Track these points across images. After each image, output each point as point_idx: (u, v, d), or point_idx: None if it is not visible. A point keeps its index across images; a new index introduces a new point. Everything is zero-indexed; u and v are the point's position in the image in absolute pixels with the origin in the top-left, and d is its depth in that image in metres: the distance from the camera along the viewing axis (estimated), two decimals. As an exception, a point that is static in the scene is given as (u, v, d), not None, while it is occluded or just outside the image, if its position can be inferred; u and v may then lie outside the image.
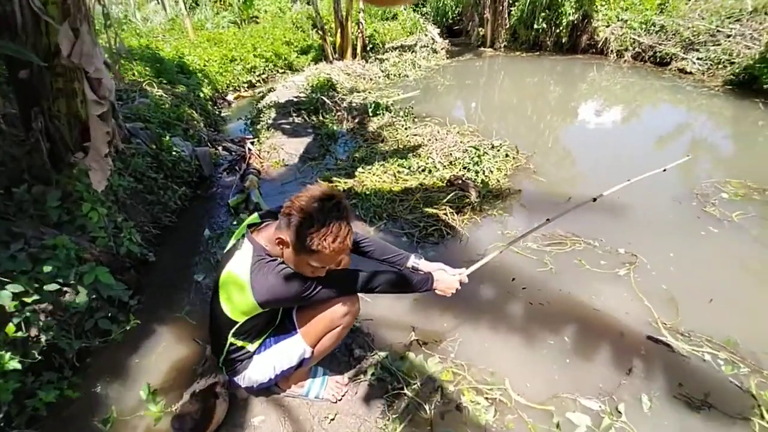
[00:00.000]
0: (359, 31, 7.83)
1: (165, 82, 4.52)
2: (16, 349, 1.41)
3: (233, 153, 3.91)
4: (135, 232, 2.19)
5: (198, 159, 3.28)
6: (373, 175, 3.46)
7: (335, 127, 4.51)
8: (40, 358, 1.48)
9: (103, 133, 1.76)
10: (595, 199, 1.80)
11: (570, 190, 3.31)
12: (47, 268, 1.60)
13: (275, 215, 1.28)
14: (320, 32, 7.41)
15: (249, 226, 1.29)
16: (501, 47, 9.51)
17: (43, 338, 1.52)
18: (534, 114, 5.47)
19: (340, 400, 1.56)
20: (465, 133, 4.28)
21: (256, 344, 1.34)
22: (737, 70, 5.74)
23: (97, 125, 1.73)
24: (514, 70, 7.97)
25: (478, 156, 3.60)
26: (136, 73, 4.33)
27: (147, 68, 4.55)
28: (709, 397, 1.62)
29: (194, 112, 4.20)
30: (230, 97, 6.11)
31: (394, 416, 1.53)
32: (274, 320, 1.38)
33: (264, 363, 1.34)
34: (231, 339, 1.27)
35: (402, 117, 4.73)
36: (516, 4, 9.12)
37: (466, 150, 3.78)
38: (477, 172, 3.44)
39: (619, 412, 1.57)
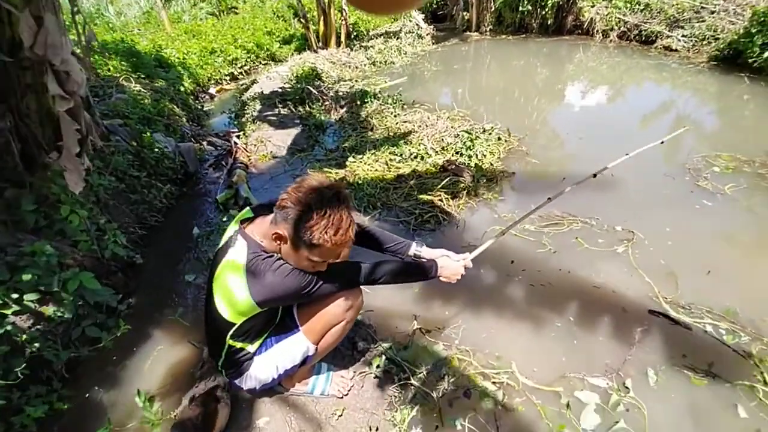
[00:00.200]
0: (342, 18, 7.64)
1: (143, 76, 4.34)
2: (-1, 364, 1.33)
3: (219, 147, 3.79)
4: (120, 234, 2.10)
5: (182, 155, 3.16)
6: (365, 164, 3.39)
7: (323, 117, 4.40)
8: (22, 375, 1.39)
9: (72, 130, 1.64)
10: (595, 175, 1.77)
11: (563, 169, 3.29)
12: (26, 277, 1.50)
13: (269, 209, 1.21)
14: (302, 21, 7.20)
15: (241, 221, 1.22)
16: (486, 31, 9.40)
17: (27, 351, 1.43)
18: (522, 96, 5.43)
19: (346, 395, 1.52)
20: (455, 118, 4.22)
21: (257, 344, 1.28)
22: (722, 46, 5.77)
23: (66, 122, 1.61)
24: (501, 53, 7.90)
25: (471, 140, 3.55)
26: (111, 68, 4.14)
27: (123, 63, 4.35)
28: (713, 367, 1.63)
29: (175, 106, 4.05)
30: (212, 90, 5.91)
31: (402, 407, 1.50)
32: (274, 319, 1.31)
33: (266, 363, 1.28)
34: (230, 341, 1.21)
35: (390, 104, 4.63)
36: (500, -14, 8.99)
37: (458, 135, 3.72)
38: (470, 157, 3.39)
39: (627, 388, 1.56)
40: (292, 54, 7.68)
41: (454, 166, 3.16)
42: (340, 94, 4.93)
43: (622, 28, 7.65)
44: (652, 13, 7.34)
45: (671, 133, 2.28)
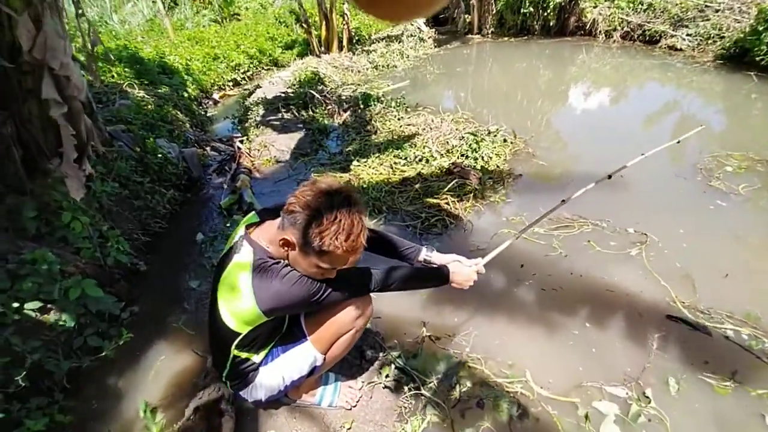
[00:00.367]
0: (344, 23, 7.65)
1: (146, 83, 4.34)
2: (-2, 375, 1.29)
3: (222, 153, 3.77)
4: (123, 241, 2.06)
5: (185, 160, 3.14)
6: (369, 167, 3.35)
7: (326, 121, 4.38)
8: (22, 386, 1.35)
9: (69, 136, 1.61)
10: (610, 176, 1.72)
11: (570, 171, 3.24)
12: (27, 285, 1.47)
13: (275, 213, 1.16)
14: (304, 26, 7.22)
15: (247, 226, 1.18)
16: (488, 33, 9.38)
17: (27, 361, 1.39)
18: (525, 99, 5.38)
19: (354, 406, 1.47)
20: (459, 120, 4.18)
21: (262, 354, 1.23)
22: (728, 44, 5.71)
23: (63, 128, 1.58)
24: (503, 55, 7.87)
25: (476, 142, 3.50)
26: (115, 75, 4.14)
27: (126, 69, 4.35)
28: (736, 375, 1.56)
29: (179, 112, 4.03)
30: (216, 95, 5.92)
31: (412, 419, 1.45)
32: (280, 328, 1.27)
33: (272, 374, 1.23)
34: (234, 351, 1.16)
35: (394, 107, 4.60)
36: (501, -12, 8.98)
37: (463, 137, 3.68)
38: (476, 159, 3.34)
39: (647, 398, 1.50)
40: (295, 59, 7.69)
41: (460, 169, 3.11)
42: (343, 98, 4.91)
43: (625, 29, 7.60)
44: (655, 12, 7.29)
45: (684, 133, 2.23)
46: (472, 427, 1.44)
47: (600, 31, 7.93)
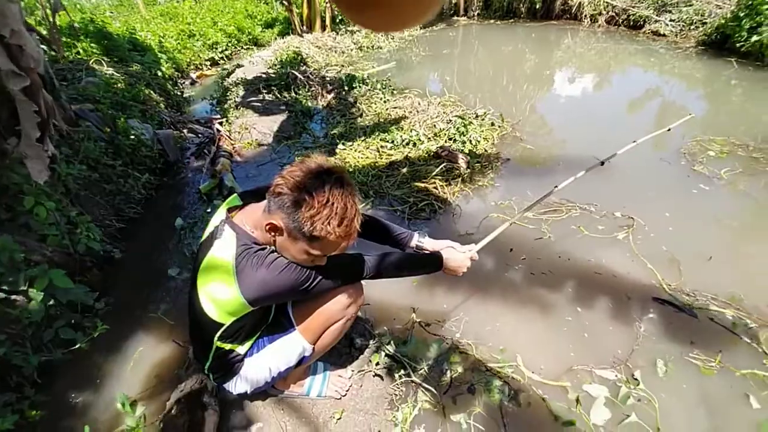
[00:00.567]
0: (327, 0, 7.37)
1: (116, 60, 4.07)
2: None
3: (201, 135, 3.59)
4: (94, 227, 1.93)
5: (161, 143, 2.97)
6: (355, 151, 3.25)
7: (309, 104, 4.23)
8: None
9: (30, 112, 1.46)
10: (602, 163, 1.69)
11: (557, 155, 3.23)
12: (-14, 275, 1.35)
13: (260, 196, 1.08)
14: (285, 3, 6.91)
15: (228, 209, 1.09)
16: (474, 15, 9.24)
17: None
18: (511, 83, 5.33)
19: (344, 395, 1.42)
20: (447, 103, 4.10)
21: (248, 345, 1.16)
22: (709, 30, 5.77)
23: (22, 103, 1.43)
24: (489, 38, 7.76)
25: (464, 126, 3.44)
26: (81, 51, 3.86)
27: (93, 45, 4.06)
28: (722, 356, 1.59)
29: (152, 92, 3.81)
30: (193, 75, 5.64)
31: (403, 406, 1.42)
32: (266, 317, 1.19)
33: (258, 365, 1.17)
34: (217, 343, 1.08)
35: (380, 90, 4.48)
36: (488, -31, 8.82)
37: (450, 120, 3.61)
38: (464, 143, 3.29)
39: (636, 380, 1.51)
40: (275, 38, 7.40)
41: (447, 153, 3.06)
42: (327, 79, 4.75)
43: (610, 13, 7.60)
44: (640, -3, 7.30)
45: (668, 119, 2.24)
46: (464, 412, 1.42)
47: (585, 15, 7.92)
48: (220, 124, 3.75)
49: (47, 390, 1.48)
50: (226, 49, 6.59)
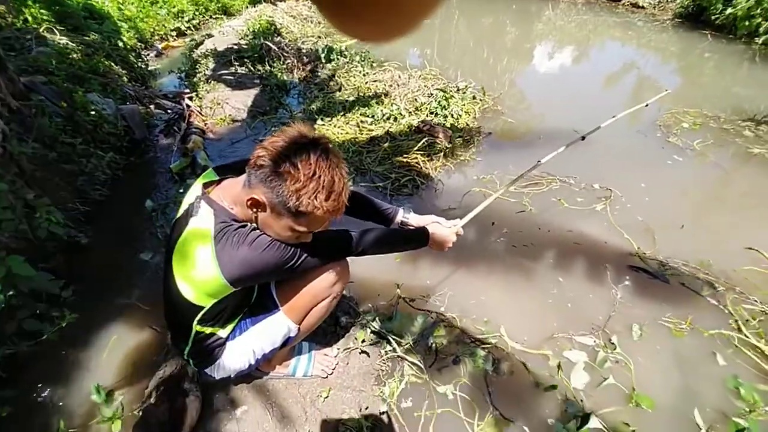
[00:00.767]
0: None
1: (70, 28, 3.72)
2: None
3: (169, 111, 3.38)
4: (55, 211, 1.80)
5: (125, 119, 2.77)
6: (335, 126, 3.15)
7: (285, 77, 4.04)
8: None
9: None
10: (583, 138, 1.69)
11: (537, 129, 3.24)
12: (-68, 264, 1.23)
13: (238, 170, 1.00)
14: (254, -32, 6.48)
15: (204, 185, 1.01)
16: (454, -15, 8.94)
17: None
18: (491, 56, 5.26)
19: (331, 374, 1.41)
20: (427, 77, 4.00)
21: (229, 328, 1.11)
22: (686, 2, 5.80)
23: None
24: (470, 9, 7.58)
25: (445, 99, 3.37)
26: (29, 18, 3.50)
27: (43, 12, 3.69)
28: (691, 318, 1.66)
29: (113, 64, 3.52)
30: (159, 46, 5.26)
31: (390, 381, 1.42)
32: (249, 298, 1.15)
33: (241, 349, 1.12)
34: (197, 327, 1.03)
35: (359, 62, 4.32)
36: (467, -66, 8.47)
37: (432, 94, 3.54)
38: (445, 117, 3.24)
39: (613, 344, 1.57)
40: (246, 7, 6.98)
41: (429, 127, 3.00)
42: (303, 51, 4.53)
43: (590, -16, 7.52)
44: (620, -33, 7.24)
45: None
46: (450, 383, 1.44)
47: (566, -14, 7.80)
48: (190, 98, 3.53)
49: (14, 385, 1.40)
50: (193, 18, 6.16)
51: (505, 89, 4.05)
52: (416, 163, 2.72)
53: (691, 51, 5.13)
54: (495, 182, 2.55)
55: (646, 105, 2.06)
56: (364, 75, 4.05)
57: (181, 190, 2.34)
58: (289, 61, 4.29)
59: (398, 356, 1.51)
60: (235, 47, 4.62)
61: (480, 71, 4.65)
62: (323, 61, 4.33)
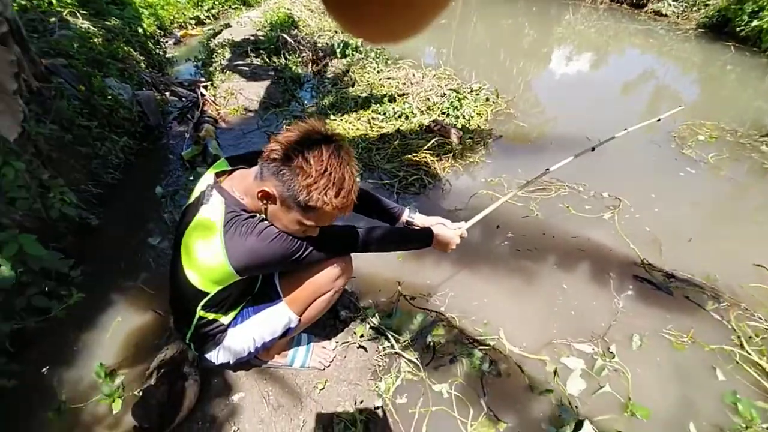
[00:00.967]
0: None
1: (92, 12, 3.79)
2: None
3: (184, 99, 3.43)
4: (68, 192, 1.84)
5: (141, 105, 2.82)
6: (346, 122, 3.16)
7: (300, 70, 4.06)
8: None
9: (6, 62, 1.35)
10: (593, 149, 1.68)
11: (549, 134, 3.21)
12: (-50, 237, 1.28)
13: (250, 161, 1.03)
14: (275, -40, 6.49)
15: (216, 174, 1.03)
16: (474, -15, 8.86)
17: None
18: (508, 58, 5.21)
19: (328, 366, 1.43)
20: (442, 76, 3.98)
21: (232, 315, 1.13)
22: (711, 12, 5.68)
23: (-7, 52, 1.32)
24: (489, 10, 7.51)
25: (458, 100, 3.36)
26: (54, 1, 3.57)
27: (66, -5, 3.76)
28: (693, 332, 1.64)
29: (132, 49, 3.58)
30: (177, 34, 5.33)
31: (386, 377, 1.44)
32: (252, 287, 1.17)
33: (242, 336, 1.15)
34: (200, 312, 1.05)
35: (373, 59, 4.32)
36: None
37: (445, 94, 3.52)
38: (457, 117, 3.23)
39: (612, 353, 1.56)
40: (265, -2, 6.99)
41: (440, 127, 3.00)
42: (319, 45, 4.54)
43: (613, -11, 7.40)
44: (644, -26, 7.11)
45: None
46: (445, 382, 1.45)
47: (588, -10, 7.69)
48: (205, 87, 3.58)
49: (21, 359, 1.44)
50: (212, 8, 6.22)
51: (520, 92, 4.02)
52: (425, 162, 2.72)
53: (712, 62, 5.02)
54: (503, 185, 2.54)
55: (659, 120, 2.03)
56: (378, 72, 4.05)
57: (191, 178, 2.38)
58: (304, 54, 4.31)
59: (396, 353, 1.52)
60: (252, 38, 4.66)
61: (495, 73, 4.61)
62: (338, 55, 4.34)
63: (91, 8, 3.87)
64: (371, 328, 1.60)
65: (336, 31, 5.39)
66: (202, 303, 1.04)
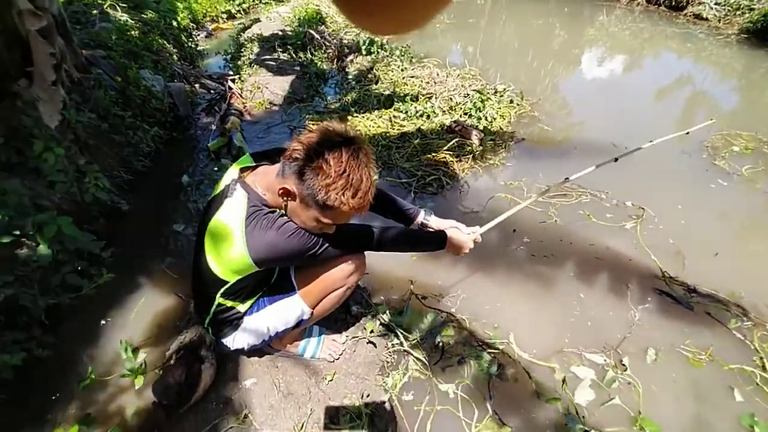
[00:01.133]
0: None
1: (131, 6, 3.95)
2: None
3: (212, 91, 3.54)
4: (102, 177, 1.95)
5: (171, 96, 2.93)
6: (367, 119, 3.19)
7: (325, 66, 4.12)
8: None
9: (46, 54, 1.44)
10: (616, 159, 1.65)
11: (574, 139, 3.14)
12: (-4, 216, 1.38)
13: (272, 158, 1.07)
14: (306, -44, 6.56)
15: (241, 169, 1.08)
16: (504, -17, 8.69)
17: (0, 296, 1.34)
18: (536, 59, 5.10)
19: (337, 359, 1.47)
20: (466, 76, 3.95)
21: (248, 304, 1.19)
22: (756, 17, 5.38)
23: (38, 44, 1.41)
24: (519, 10, 7.36)
25: (481, 101, 3.33)
26: (94, -6, 3.74)
27: (107, -11, 3.93)
28: (712, 349, 1.59)
29: (166, 42, 3.72)
30: (209, 27, 5.48)
31: (394, 373, 1.46)
32: (269, 278, 1.22)
33: (257, 324, 1.20)
34: (219, 299, 1.11)
35: (398, 57, 4.32)
36: (524, -69, 8.19)
37: (468, 94, 3.50)
38: (479, 119, 3.20)
39: (624, 365, 1.53)
40: (295, -6, 7.09)
41: (461, 128, 2.98)
42: (345, 42, 4.59)
43: (650, -10, 7.12)
44: (685, -26, 6.79)
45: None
46: (452, 382, 1.46)
47: (624, -9, 7.42)
48: (233, 81, 3.68)
49: (53, 332, 1.55)
50: (244, 2, 6.37)
51: (547, 94, 3.94)
52: (444, 162, 2.72)
53: (754, 69, 4.77)
54: (522, 189, 2.51)
55: (687, 133, 1.96)
56: (402, 70, 4.05)
57: (216, 169, 2.46)
58: (330, 50, 4.36)
59: (404, 350, 1.55)
60: (280, 33, 4.75)
61: (522, 74, 4.53)
62: (363, 52, 4.37)
63: (130, 1, 4.03)
64: (381, 324, 1.62)
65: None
66: (221, 291, 1.10)
